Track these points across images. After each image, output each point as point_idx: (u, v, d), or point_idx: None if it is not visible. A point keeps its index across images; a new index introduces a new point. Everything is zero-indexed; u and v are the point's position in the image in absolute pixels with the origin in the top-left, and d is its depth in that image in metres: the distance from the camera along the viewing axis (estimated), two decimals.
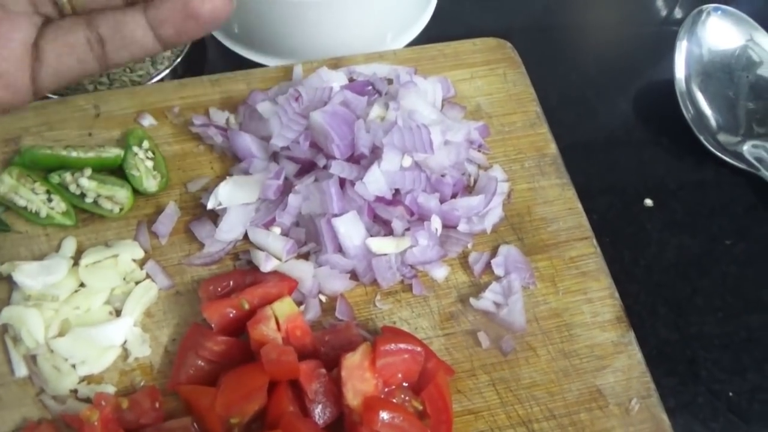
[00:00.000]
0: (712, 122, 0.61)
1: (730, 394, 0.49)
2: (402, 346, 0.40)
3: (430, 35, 0.67)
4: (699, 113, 0.61)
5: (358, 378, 0.38)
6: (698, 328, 0.52)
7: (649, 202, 0.58)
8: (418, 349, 0.40)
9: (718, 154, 0.59)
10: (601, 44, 0.69)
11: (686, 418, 0.47)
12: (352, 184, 0.46)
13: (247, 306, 0.42)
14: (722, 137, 0.60)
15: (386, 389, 0.39)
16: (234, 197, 0.47)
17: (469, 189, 0.52)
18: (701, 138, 0.60)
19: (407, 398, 0.40)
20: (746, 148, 0.60)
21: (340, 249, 0.46)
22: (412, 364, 0.40)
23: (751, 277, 0.54)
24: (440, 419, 0.39)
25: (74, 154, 0.48)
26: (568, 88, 0.65)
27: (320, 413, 0.39)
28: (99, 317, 0.43)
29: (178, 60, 0.60)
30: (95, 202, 0.47)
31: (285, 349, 0.39)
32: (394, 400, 0.39)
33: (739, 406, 0.48)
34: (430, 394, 0.40)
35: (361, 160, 0.48)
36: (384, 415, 0.37)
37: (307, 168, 0.49)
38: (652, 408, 0.43)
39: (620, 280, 0.52)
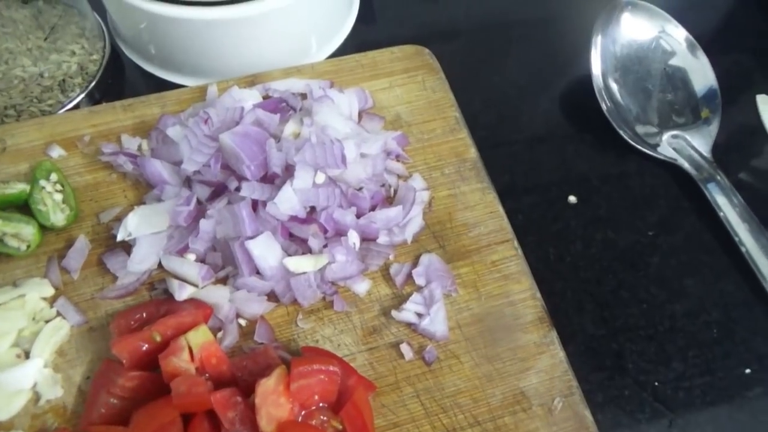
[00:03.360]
0: (631, 115, 0.62)
1: (656, 383, 0.49)
2: (317, 366, 0.39)
3: (355, 43, 0.67)
4: (617, 107, 0.62)
5: (273, 403, 0.38)
6: (624, 321, 0.52)
7: (573, 199, 0.58)
8: (333, 368, 0.39)
9: (639, 146, 0.60)
10: (522, 46, 0.70)
11: (614, 412, 0.48)
12: (265, 205, 0.46)
13: (159, 338, 0.41)
14: (641, 130, 0.62)
15: (303, 412, 0.39)
16: (143, 227, 0.46)
17: (390, 200, 0.52)
18: (621, 132, 0.61)
19: (326, 419, 0.39)
20: (665, 139, 0.61)
21: (257, 271, 0.46)
22: (328, 384, 0.40)
23: (674, 266, 0.55)
24: None
25: None
26: (490, 91, 0.65)
27: None
28: (5, 361, 0.41)
29: (92, 85, 0.59)
30: (1, 241, 0.46)
31: (196, 381, 0.38)
32: (313, 422, 0.39)
33: (664, 394, 0.49)
34: (349, 412, 0.39)
35: (275, 179, 0.48)
36: None
37: (219, 191, 0.48)
38: (575, 406, 0.44)
39: (546, 278, 0.52)
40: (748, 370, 0.50)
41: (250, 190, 0.46)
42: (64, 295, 0.45)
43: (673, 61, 0.62)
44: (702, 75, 0.61)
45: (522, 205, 0.57)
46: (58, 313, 0.44)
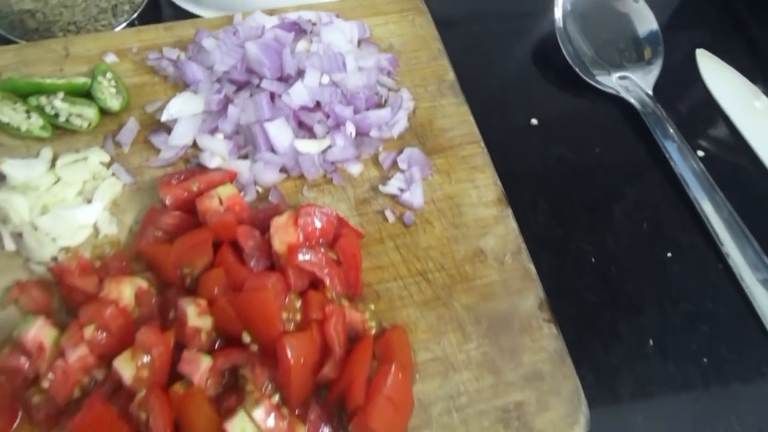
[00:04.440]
0: (587, 58, 0.74)
1: (593, 260, 0.61)
2: (318, 210, 0.50)
3: None
4: (576, 50, 0.74)
5: (284, 232, 0.49)
6: (571, 216, 0.64)
7: (534, 121, 0.70)
8: (331, 211, 0.51)
9: (593, 83, 0.72)
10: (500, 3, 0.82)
11: (557, 278, 0.59)
12: (280, 96, 0.57)
13: (195, 187, 0.52)
14: (595, 70, 0.73)
15: (307, 243, 0.50)
16: (184, 109, 0.57)
17: (381, 106, 0.63)
18: (577, 70, 0.72)
19: (324, 251, 0.50)
20: (614, 77, 0.73)
21: (272, 150, 0.57)
22: (327, 225, 0.51)
23: (615, 174, 0.67)
24: (350, 265, 0.50)
25: (48, 80, 0.57)
26: (471, 38, 0.77)
27: (255, 263, 0.49)
28: (74, 203, 0.52)
29: (136, 14, 0.70)
30: (67, 120, 0.57)
31: (225, 214, 0.50)
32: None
33: (599, 267, 0.60)
34: (342, 246, 0.50)
35: (289, 80, 0.59)
36: (303, 253, 0.47)
37: (243, 87, 0.59)
38: (522, 261, 0.55)
39: (508, 184, 0.63)
40: (669, 254, 0.61)
41: (269, 84, 0.57)
42: (117, 161, 0.56)
43: (621, 8, 0.75)
44: (643, 19, 0.73)
45: (492, 126, 0.68)
46: (113, 174, 0.55)
